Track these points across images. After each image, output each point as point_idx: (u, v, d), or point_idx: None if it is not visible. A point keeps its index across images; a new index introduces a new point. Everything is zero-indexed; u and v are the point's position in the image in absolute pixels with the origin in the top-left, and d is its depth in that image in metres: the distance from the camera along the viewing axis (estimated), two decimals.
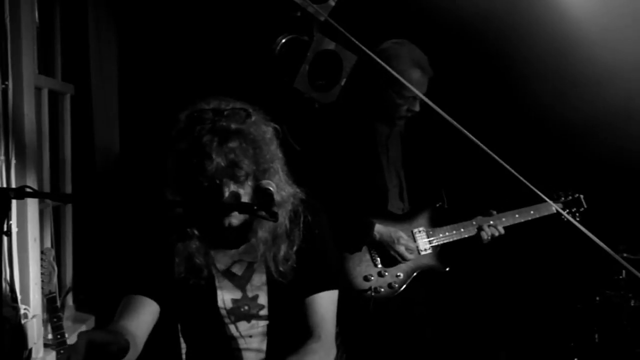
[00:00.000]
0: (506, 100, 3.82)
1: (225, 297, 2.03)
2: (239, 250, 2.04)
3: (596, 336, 3.43)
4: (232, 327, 2.04)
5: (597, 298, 3.44)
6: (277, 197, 1.87)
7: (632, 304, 3.32)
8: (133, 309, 1.95)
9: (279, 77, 2.46)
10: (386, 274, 2.98)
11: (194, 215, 1.97)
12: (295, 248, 2.02)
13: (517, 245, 3.79)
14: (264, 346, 2.06)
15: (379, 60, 2.20)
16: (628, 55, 3.52)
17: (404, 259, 2.97)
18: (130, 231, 2.02)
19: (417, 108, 3.02)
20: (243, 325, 2.05)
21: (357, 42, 2.14)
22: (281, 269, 2.00)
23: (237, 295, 2.04)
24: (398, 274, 3.00)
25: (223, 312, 2.03)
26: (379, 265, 2.99)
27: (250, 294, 2.04)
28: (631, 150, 3.62)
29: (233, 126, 1.85)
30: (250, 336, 2.05)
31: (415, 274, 3.03)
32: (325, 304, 2.06)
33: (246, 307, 2.04)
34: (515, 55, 3.67)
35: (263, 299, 2.04)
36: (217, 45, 3.76)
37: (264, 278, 2.04)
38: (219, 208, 1.88)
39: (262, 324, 2.05)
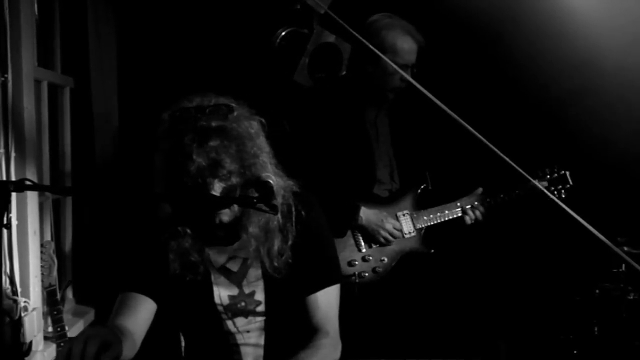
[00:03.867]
0: (497, 80, 3.81)
1: (222, 293, 2.03)
2: (233, 246, 2.02)
3: (595, 329, 3.43)
4: (229, 323, 2.04)
5: (597, 291, 3.44)
6: (275, 181, 1.88)
7: (632, 297, 3.32)
8: (130, 306, 1.94)
9: (279, 69, 2.46)
10: (370, 258, 3.00)
11: (184, 213, 1.95)
12: (289, 243, 2.00)
13: (517, 236, 3.81)
14: (261, 341, 2.06)
15: (377, 52, 2.20)
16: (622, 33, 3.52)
17: (390, 242, 2.97)
18: (125, 228, 2.02)
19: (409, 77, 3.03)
20: (240, 320, 2.04)
21: (357, 35, 2.13)
22: (275, 264, 1.98)
23: (234, 291, 2.04)
24: (382, 258, 3.01)
25: (220, 308, 2.03)
26: (363, 250, 2.99)
27: (246, 290, 2.04)
28: (633, 143, 3.62)
29: (213, 124, 1.83)
30: (248, 331, 2.05)
31: (399, 257, 3.03)
32: (328, 300, 2.07)
33: (243, 304, 2.03)
34: (506, 38, 3.66)
35: (260, 295, 2.04)
36: (217, 38, 3.75)
37: (259, 274, 2.03)
38: (214, 202, 1.87)
39: (260, 320, 2.05)
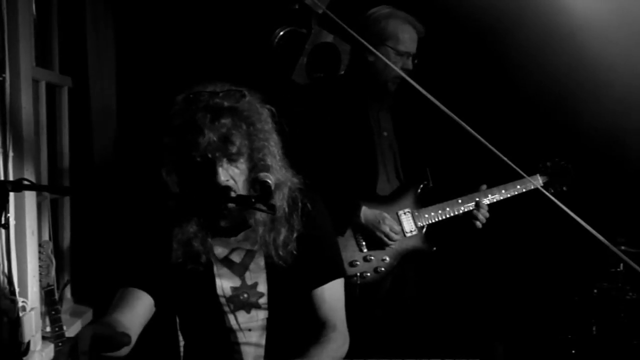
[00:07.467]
0: (499, 77, 3.82)
1: (224, 284, 2.04)
2: (237, 238, 2.05)
3: (594, 329, 3.43)
4: (231, 318, 2.04)
5: (595, 290, 3.44)
6: (273, 180, 1.92)
7: (630, 297, 3.32)
8: (127, 302, 1.95)
9: (277, 69, 2.46)
10: (372, 258, 2.97)
11: (191, 199, 1.99)
12: (295, 234, 2.03)
13: (516, 235, 3.81)
14: (262, 341, 2.06)
15: (375, 52, 2.20)
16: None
17: (391, 239, 2.95)
18: (126, 221, 2.05)
19: (410, 66, 3.02)
20: (242, 316, 2.05)
21: (356, 35, 2.13)
22: (281, 253, 2.01)
23: (236, 283, 2.04)
24: (384, 257, 2.98)
25: (222, 300, 2.03)
26: (365, 250, 2.97)
27: (249, 282, 2.05)
28: (633, 142, 3.62)
29: (226, 104, 1.91)
30: (250, 330, 2.05)
31: (401, 257, 3.01)
32: (334, 293, 2.09)
33: (245, 295, 2.04)
34: (508, 33, 3.66)
35: (262, 287, 2.05)
36: (216, 38, 3.75)
37: (262, 264, 2.05)
38: (216, 198, 1.89)
39: (262, 317, 2.05)
